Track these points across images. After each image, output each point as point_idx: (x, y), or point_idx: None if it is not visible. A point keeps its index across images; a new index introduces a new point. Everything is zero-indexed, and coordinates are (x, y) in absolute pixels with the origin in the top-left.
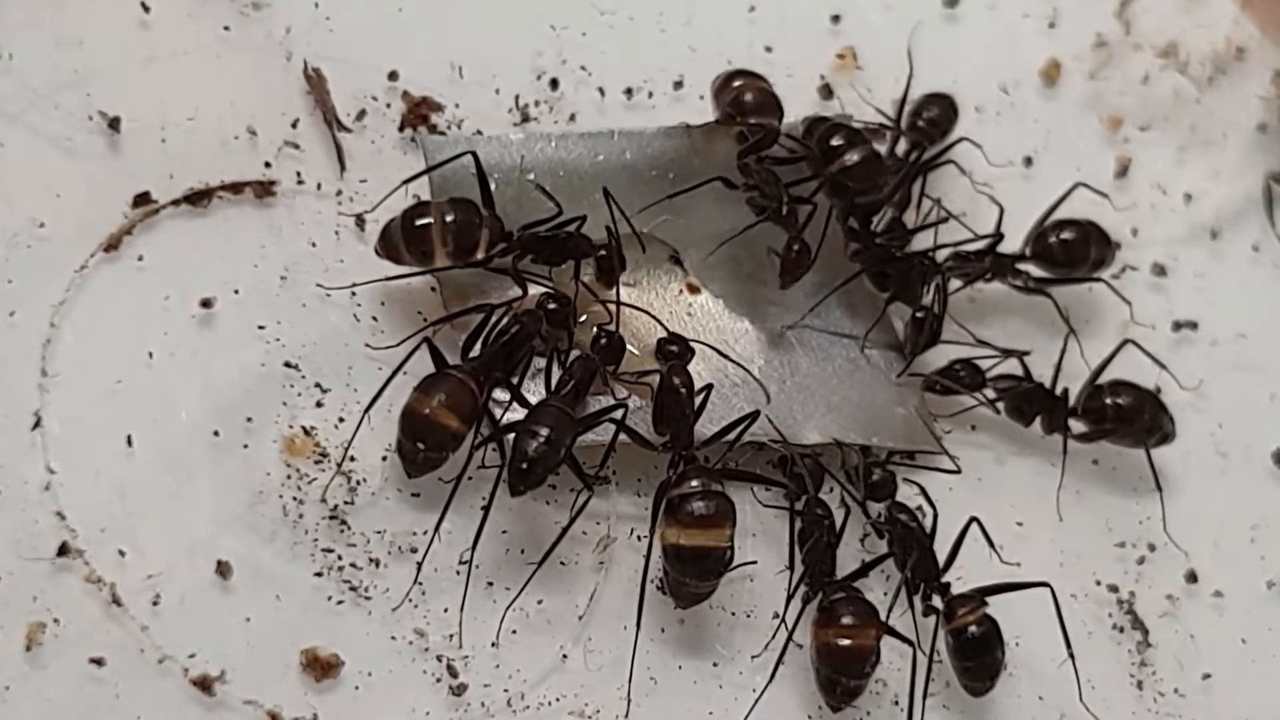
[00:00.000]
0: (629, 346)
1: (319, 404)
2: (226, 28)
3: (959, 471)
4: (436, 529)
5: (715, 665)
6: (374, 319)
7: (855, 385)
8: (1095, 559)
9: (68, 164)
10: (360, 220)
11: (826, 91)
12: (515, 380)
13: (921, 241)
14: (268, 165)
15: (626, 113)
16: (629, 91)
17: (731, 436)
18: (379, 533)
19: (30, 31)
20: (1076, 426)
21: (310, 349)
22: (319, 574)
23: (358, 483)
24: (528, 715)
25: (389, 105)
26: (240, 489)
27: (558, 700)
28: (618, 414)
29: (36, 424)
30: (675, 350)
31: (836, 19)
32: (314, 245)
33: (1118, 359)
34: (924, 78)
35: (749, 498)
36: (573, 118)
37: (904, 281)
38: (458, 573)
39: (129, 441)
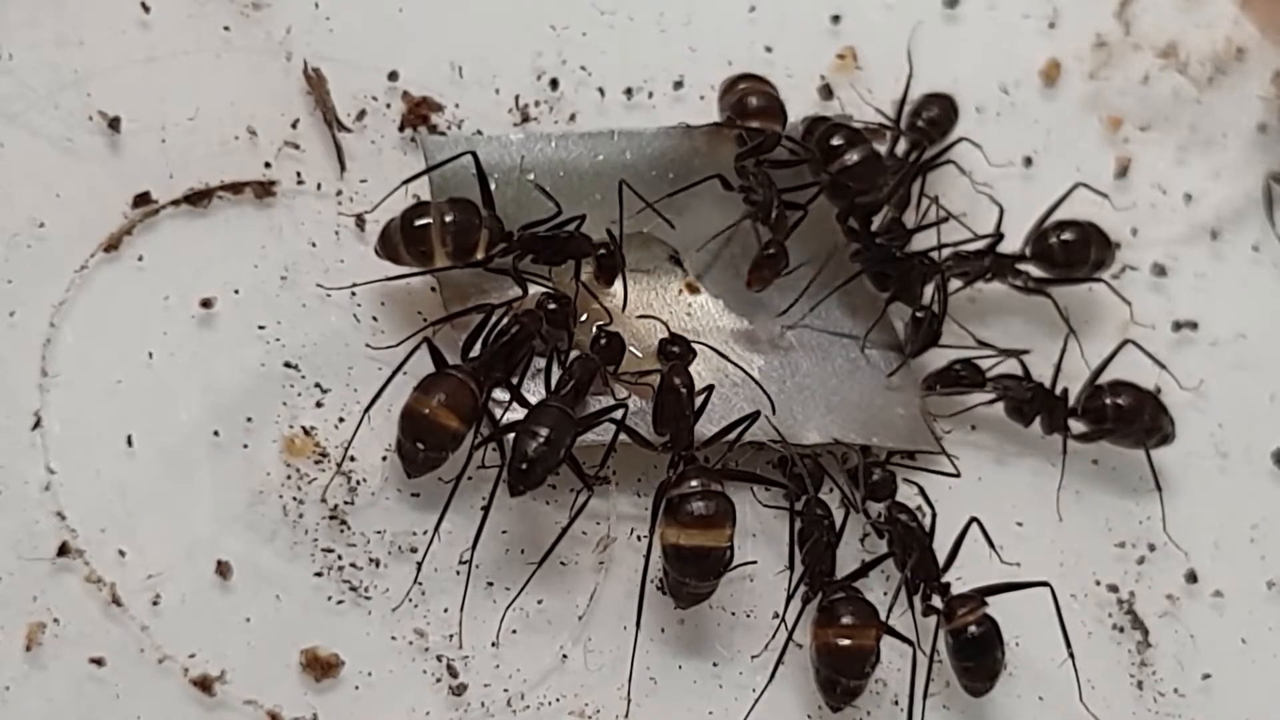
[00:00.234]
0: (629, 347)
1: (319, 404)
2: (226, 28)
3: (958, 475)
4: (436, 529)
5: (715, 665)
6: (374, 319)
7: (855, 385)
8: (1095, 559)
9: (68, 164)
10: (360, 220)
11: (826, 91)
12: (515, 380)
13: (921, 241)
14: (268, 165)
15: (626, 113)
16: (629, 91)
17: (731, 437)
18: (379, 533)
19: (30, 31)
20: (1076, 427)
21: (310, 349)
22: (319, 574)
23: (358, 483)
24: (528, 715)
25: (389, 105)
26: (240, 489)
27: (558, 700)
28: (618, 414)
29: (36, 424)
30: (676, 350)
31: (836, 19)
32: (314, 245)
33: (1118, 359)
34: (924, 78)
35: (749, 498)
36: (573, 118)
37: (904, 281)
38: (458, 573)
39: (129, 441)
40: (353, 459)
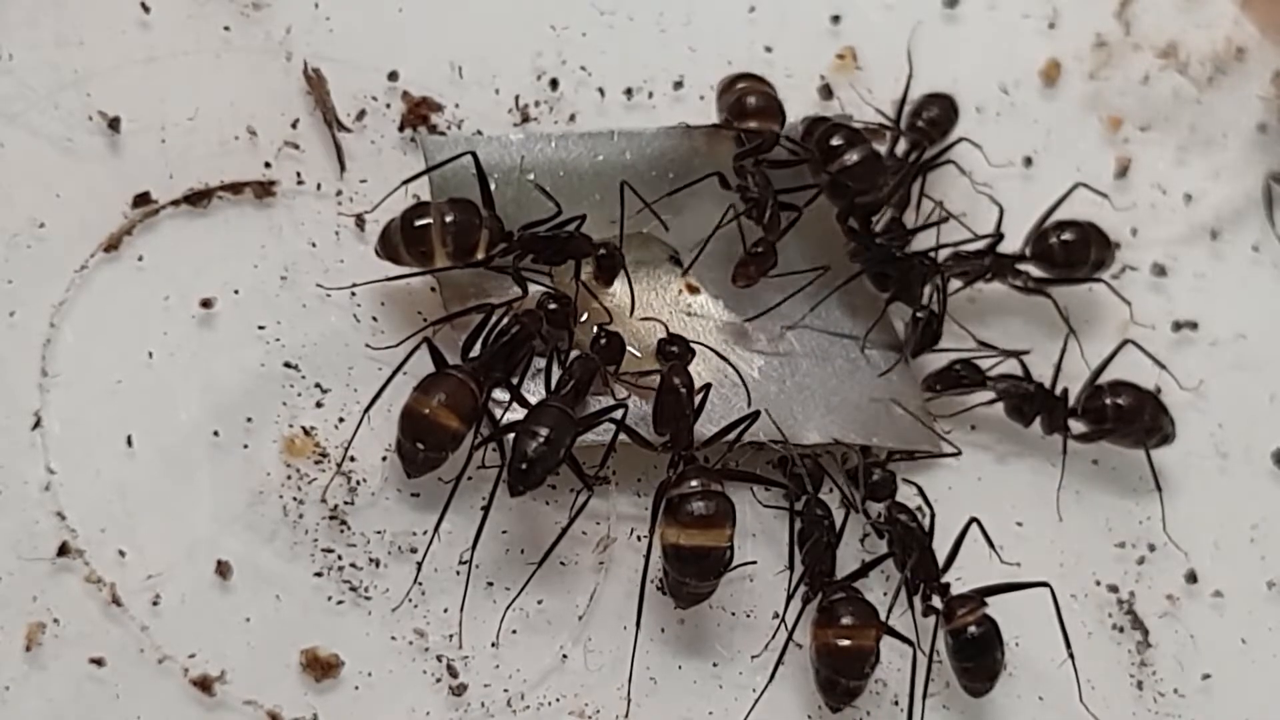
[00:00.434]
0: (629, 347)
1: (319, 404)
2: (226, 28)
3: (959, 452)
4: (436, 529)
5: (715, 665)
6: (374, 319)
7: (855, 385)
8: (1095, 559)
9: (68, 164)
10: (360, 220)
11: (826, 91)
12: (515, 380)
13: (921, 241)
14: (268, 165)
15: (626, 113)
16: (629, 91)
17: (731, 437)
18: (379, 533)
19: (30, 31)
20: (1076, 427)
21: (310, 349)
22: (319, 574)
23: (358, 483)
24: (528, 715)
25: (389, 105)
26: (240, 489)
27: (558, 700)
28: (618, 414)
29: (36, 424)
30: (675, 350)
31: (836, 19)
32: (314, 245)
33: (1118, 359)
34: (924, 78)
35: (749, 498)
36: (573, 118)
37: (904, 281)
38: (458, 573)
39: (129, 441)
40: (353, 459)
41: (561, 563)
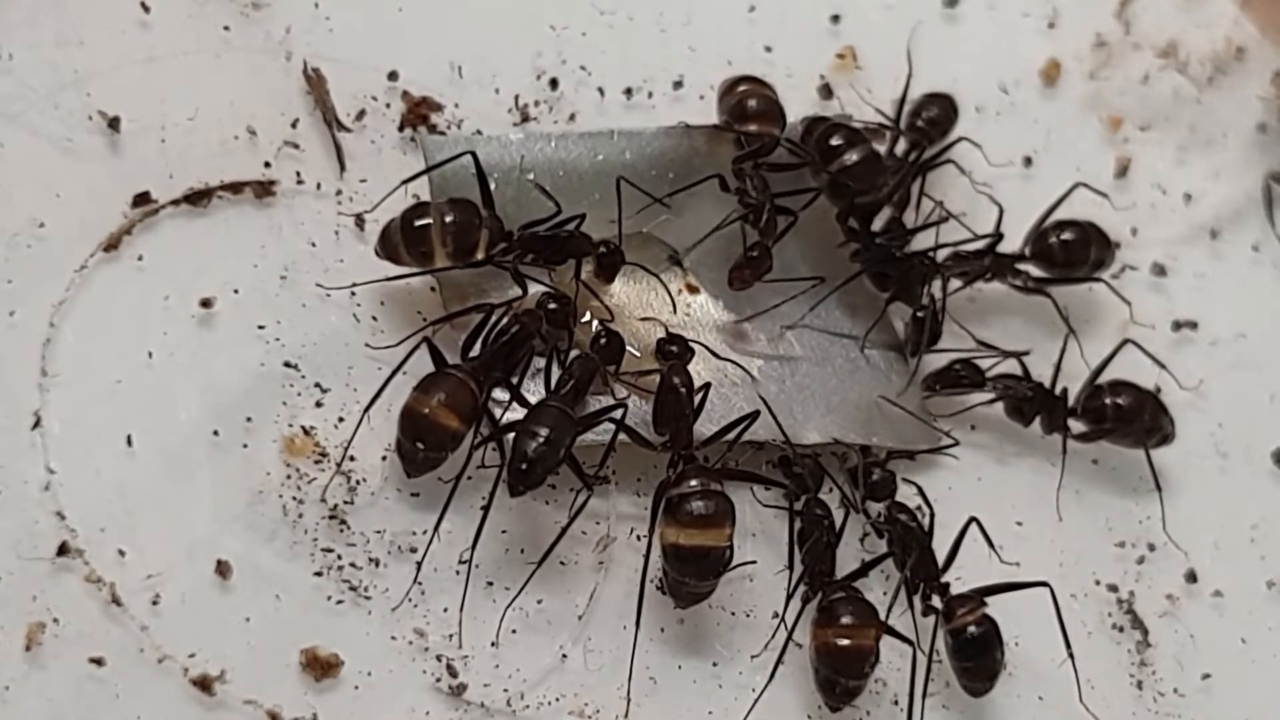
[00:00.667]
0: (629, 346)
1: (319, 404)
2: (226, 28)
3: (956, 443)
4: (436, 529)
5: (715, 665)
6: (374, 319)
7: (855, 385)
8: (1095, 559)
9: (68, 164)
10: (360, 220)
11: (826, 91)
12: (515, 380)
13: (921, 241)
14: (268, 165)
15: (626, 113)
16: (629, 91)
17: (731, 436)
18: (379, 533)
19: (30, 31)
20: (1076, 426)
21: (310, 349)
22: (319, 574)
23: (358, 483)
24: (528, 715)
25: (389, 105)
26: (240, 489)
27: (558, 700)
28: (617, 414)
29: (36, 424)
30: (675, 350)
31: (836, 19)
32: (314, 245)
33: (1118, 359)
34: (924, 78)
35: (749, 498)
36: (573, 118)
37: (904, 281)
38: (458, 573)
39: (129, 441)
40: (353, 459)
41: (561, 562)
